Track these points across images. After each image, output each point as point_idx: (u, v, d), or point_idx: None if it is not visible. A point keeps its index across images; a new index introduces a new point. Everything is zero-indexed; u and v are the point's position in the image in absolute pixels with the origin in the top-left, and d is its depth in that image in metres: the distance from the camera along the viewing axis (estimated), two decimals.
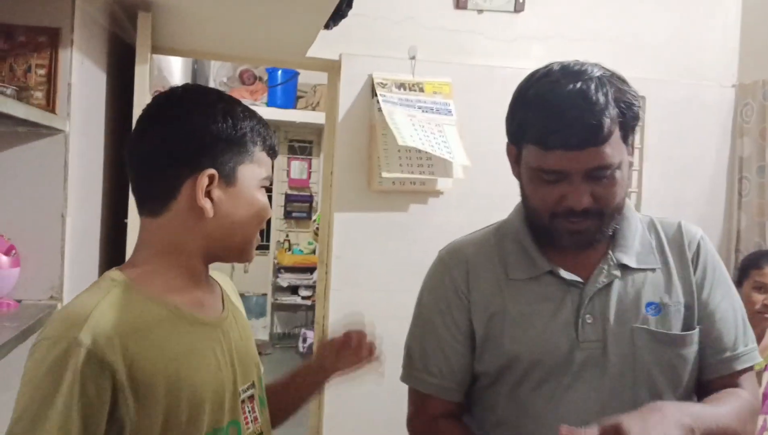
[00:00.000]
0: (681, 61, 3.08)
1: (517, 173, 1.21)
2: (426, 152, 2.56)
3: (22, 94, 1.61)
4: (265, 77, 5.41)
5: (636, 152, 3.12)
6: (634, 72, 2.99)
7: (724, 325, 1.19)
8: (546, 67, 1.16)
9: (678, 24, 3.08)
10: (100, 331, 0.92)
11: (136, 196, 1.07)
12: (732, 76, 3.13)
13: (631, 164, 1.16)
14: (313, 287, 5.99)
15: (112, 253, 2.23)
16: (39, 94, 1.67)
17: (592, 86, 1.08)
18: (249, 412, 1.10)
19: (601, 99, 1.08)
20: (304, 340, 5.77)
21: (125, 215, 2.18)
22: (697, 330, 1.18)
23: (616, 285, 1.18)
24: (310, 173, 6.49)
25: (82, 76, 1.83)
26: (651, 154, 3.06)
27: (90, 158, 1.99)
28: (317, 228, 4.53)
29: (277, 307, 6.36)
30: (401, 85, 2.70)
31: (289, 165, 6.46)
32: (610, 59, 2.95)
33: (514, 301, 1.19)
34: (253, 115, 1.08)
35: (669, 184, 3.07)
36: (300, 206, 6.39)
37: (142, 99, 2.19)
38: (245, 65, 5.17)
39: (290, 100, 5.42)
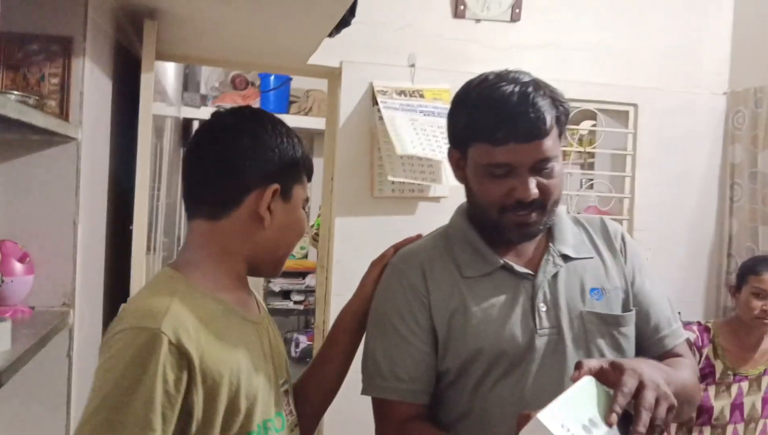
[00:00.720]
0: (673, 70, 3.14)
1: (462, 177, 1.30)
2: (427, 159, 2.59)
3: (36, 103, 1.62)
4: (258, 82, 5.42)
5: (629, 159, 3.18)
6: (627, 80, 3.12)
7: (659, 308, 1.32)
8: (480, 76, 1.26)
9: (671, 33, 3.14)
10: (179, 323, 0.97)
11: (193, 200, 1.12)
12: (724, 84, 3.20)
13: (563, 163, 1.27)
14: (305, 292, 5.99)
15: (116, 259, 2.24)
16: (52, 103, 1.68)
17: (530, 88, 1.20)
18: (285, 404, 1.16)
19: (540, 98, 1.19)
20: (297, 345, 5.76)
21: (129, 222, 2.19)
22: (634, 311, 1.29)
23: (562, 274, 1.27)
24: None
25: (92, 85, 1.84)
26: (644, 160, 3.12)
27: (97, 165, 2.00)
28: (316, 233, 4.53)
29: (270, 312, 6.30)
30: (401, 93, 2.73)
31: None
32: (603, 68, 3.04)
33: (472, 297, 1.25)
34: (301, 141, 1.16)
35: (661, 190, 3.13)
36: None
37: (147, 106, 2.20)
38: (238, 70, 5.17)
39: (283, 105, 5.42)
